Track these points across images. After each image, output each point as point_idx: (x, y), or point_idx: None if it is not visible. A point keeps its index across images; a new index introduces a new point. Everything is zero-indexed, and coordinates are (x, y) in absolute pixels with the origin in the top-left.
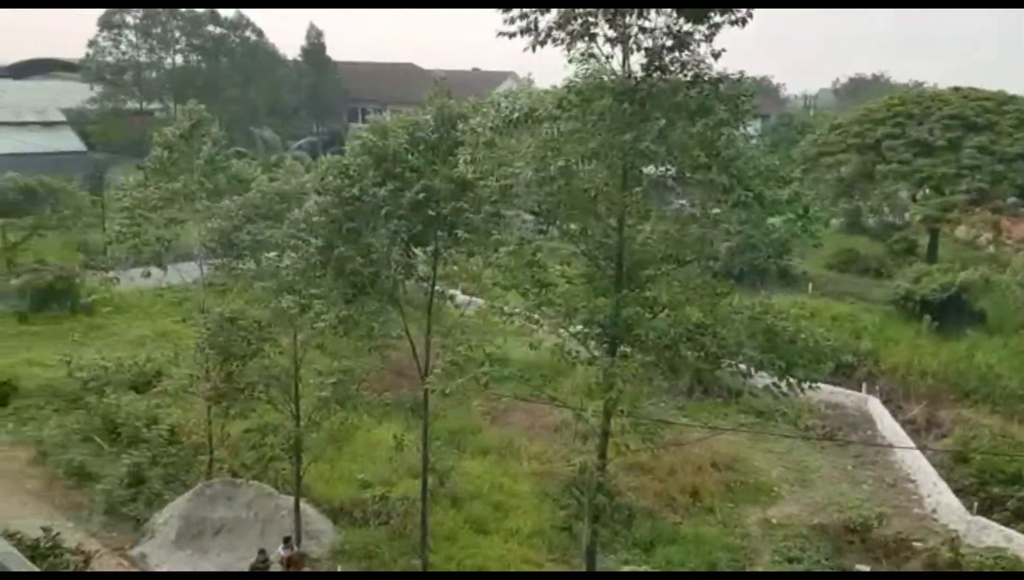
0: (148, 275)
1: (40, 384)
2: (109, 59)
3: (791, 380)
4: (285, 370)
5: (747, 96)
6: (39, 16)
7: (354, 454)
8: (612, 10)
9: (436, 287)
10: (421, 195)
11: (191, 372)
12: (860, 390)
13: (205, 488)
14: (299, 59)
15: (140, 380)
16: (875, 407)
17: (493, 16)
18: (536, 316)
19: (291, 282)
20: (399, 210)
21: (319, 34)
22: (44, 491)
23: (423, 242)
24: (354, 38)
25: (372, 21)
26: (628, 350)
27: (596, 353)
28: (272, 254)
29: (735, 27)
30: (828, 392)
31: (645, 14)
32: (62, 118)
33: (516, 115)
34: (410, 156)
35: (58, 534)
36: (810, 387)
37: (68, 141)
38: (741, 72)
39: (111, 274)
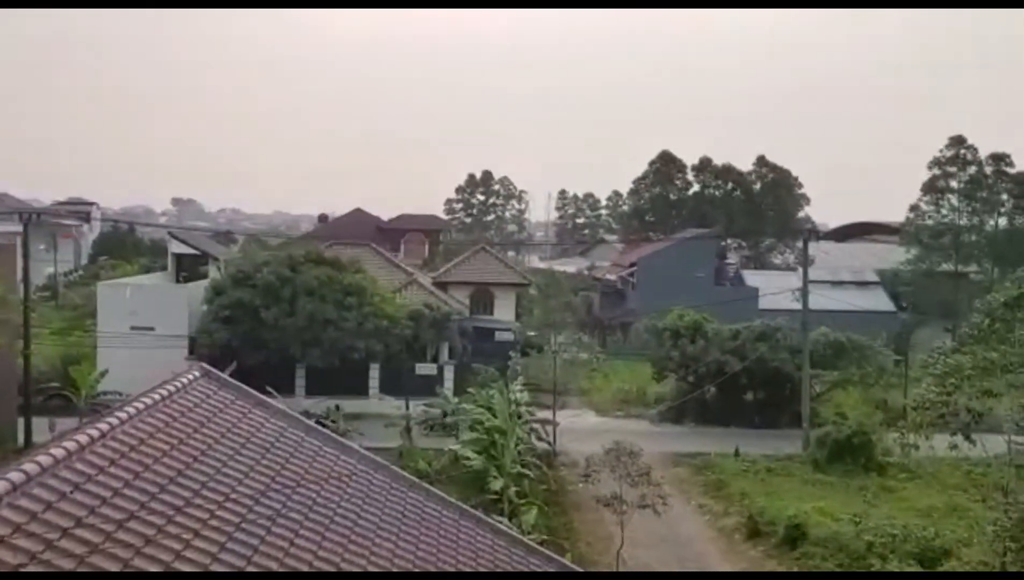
0: (955, 447)
1: (826, 535)
2: (929, 222)
3: None
4: None
5: None
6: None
7: None
8: None
9: None
10: None
11: (984, 559)
12: None
13: None
14: None
15: (926, 555)
16: None
17: None
18: None
19: None
20: None
21: None
22: None
23: None
24: None
25: None
26: None
27: None
28: None
29: None
30: None
31: None
32: (875, 279)
33: None
34: None
35: None
36: None
37: (878, 301)
38: None
39: (912, 439)
